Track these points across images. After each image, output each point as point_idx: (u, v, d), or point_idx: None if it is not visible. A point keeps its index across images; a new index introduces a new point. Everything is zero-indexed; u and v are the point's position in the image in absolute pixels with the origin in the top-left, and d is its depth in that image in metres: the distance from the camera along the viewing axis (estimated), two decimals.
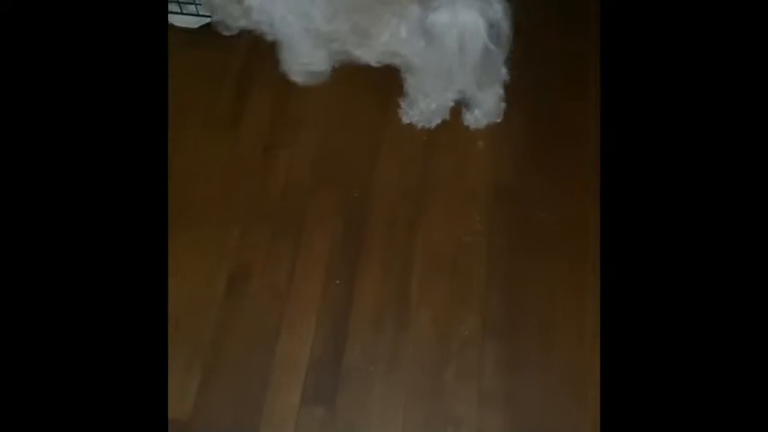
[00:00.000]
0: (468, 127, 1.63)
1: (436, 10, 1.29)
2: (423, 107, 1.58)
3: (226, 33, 1.60)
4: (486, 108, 1.59)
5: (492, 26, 1.28)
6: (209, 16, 1.68)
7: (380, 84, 1.62)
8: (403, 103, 1.64)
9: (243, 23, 1.55)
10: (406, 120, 1.65)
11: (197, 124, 1.67)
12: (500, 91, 1.56)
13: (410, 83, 1.54)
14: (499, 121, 1.62)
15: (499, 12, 1.28)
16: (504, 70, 1.49)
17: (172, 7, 1.76)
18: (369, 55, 1.51)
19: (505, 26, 1.30)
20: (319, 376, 1.36)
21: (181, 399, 1.34)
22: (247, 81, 1.72)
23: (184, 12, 1.77)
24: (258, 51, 1.67)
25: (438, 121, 1.62)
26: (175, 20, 1.77)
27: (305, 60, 1.61)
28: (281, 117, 1.68)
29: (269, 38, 1.57)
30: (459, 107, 1.61)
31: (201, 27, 1.78)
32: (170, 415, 1.22)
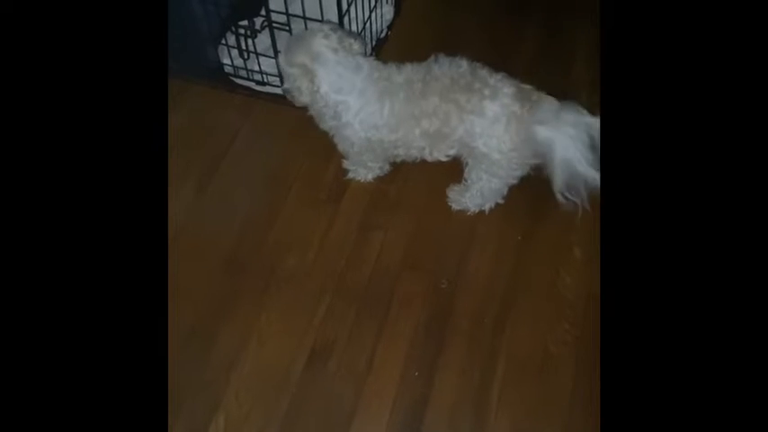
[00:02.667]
0: (567, 238, 1.62)
1: (543, 124, 1.38)
2: (480, 189, 1.59)
3: (296, 104, 1.57)
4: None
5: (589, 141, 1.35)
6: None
7: None
8: (452, 192, 1.68)
9: (307, 101, 1.51)
10: (456, 206, 1.68)
11: (299, 195, 1.74)
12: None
13: (475, 166, 1.54)
14: None
15: (594, 125, 1.35)
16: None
17: (255, 76, 1.91)
18: (439, 153, 1.53)
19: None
20: None
21: None
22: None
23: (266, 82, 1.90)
24: None
25: (492, 205, 1.64)
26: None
27: (362, 164, 1.69)
28: (381, 198, 1.73)
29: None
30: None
31: None
32: None
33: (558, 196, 1.40)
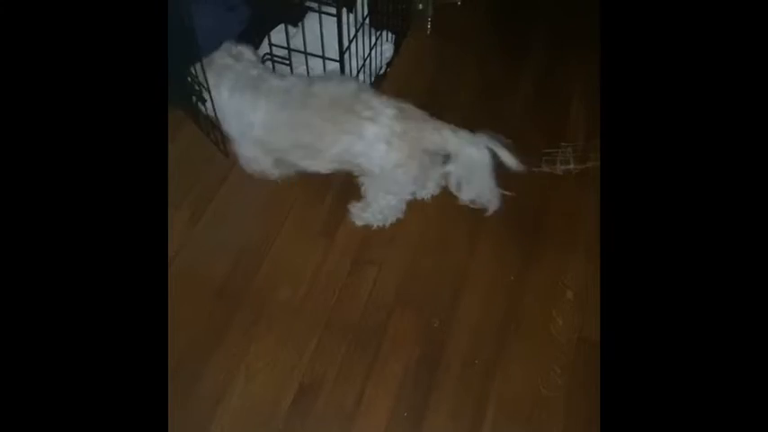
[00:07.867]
0: (560, 280, 1.62)
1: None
2: (379, 207, 1.65)
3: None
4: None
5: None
6: None
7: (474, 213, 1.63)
8: (354, 208, 1.71)
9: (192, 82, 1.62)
10: (359, 222, 1.71)
11: (294, 227, 1.74)
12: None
13: (370, 185, 1.61)
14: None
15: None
16: None
17: None
18: (317, 165, 1.61)
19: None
20: None
21: None
22: (349, 193, 1.75)
23: None
24: None
25: (393, 219, 1.69)
26: None
27: (249, 158, 1.70)
28: (375, 233, 1.72)
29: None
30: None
31: None
32: None
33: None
